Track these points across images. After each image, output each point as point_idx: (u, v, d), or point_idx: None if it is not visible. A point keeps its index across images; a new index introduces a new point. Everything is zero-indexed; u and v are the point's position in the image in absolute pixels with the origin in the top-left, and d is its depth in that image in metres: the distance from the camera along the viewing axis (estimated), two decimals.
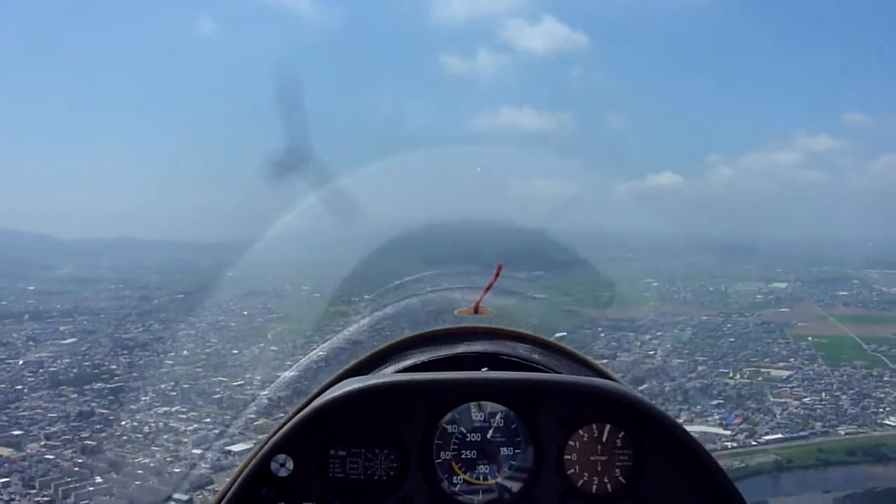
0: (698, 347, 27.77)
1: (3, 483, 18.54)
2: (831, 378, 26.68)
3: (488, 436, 2.06)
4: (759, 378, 26.65)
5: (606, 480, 2.05)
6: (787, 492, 21.73)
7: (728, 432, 23.52)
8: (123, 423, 21.32)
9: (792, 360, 27.94)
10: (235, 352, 24.29)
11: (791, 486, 21.98)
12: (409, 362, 2.30)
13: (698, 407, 23.58)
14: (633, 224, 27.30)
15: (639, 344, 24.89)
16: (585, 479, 2.05)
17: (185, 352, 23.99)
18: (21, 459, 19.57)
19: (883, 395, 25.94)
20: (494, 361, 2.26)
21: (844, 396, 25.76)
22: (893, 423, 24.54)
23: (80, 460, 19.73)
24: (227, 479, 2.09)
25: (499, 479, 2.05)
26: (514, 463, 2.06)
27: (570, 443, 2.05)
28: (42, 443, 20.43)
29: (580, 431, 2.05)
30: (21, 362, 24.29)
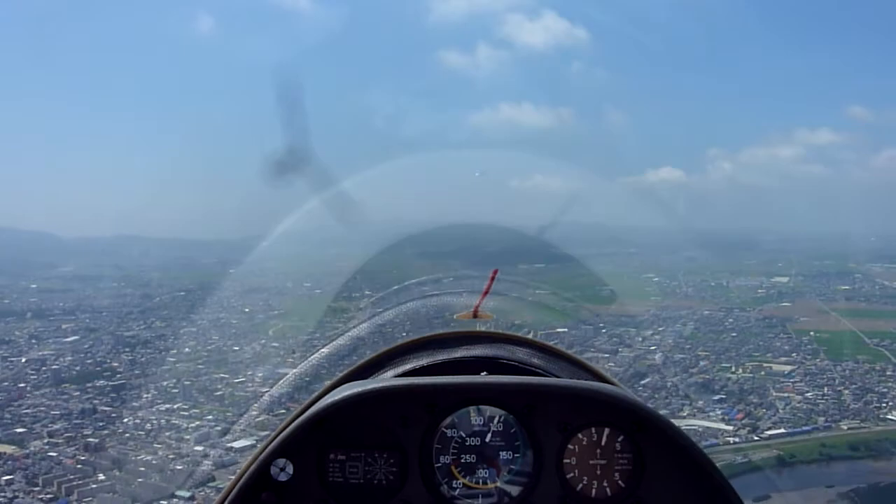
0: (700, 342, 27.73)
1: (6, 480, 18.61)
2: (834, 373, 26.57)
3: (487, 440, 2.06)
4: (762, 373, 26.54)
5: (606, 484, 2.05)
6: (789, 487, 21.66)
7: (730, 427, 23.44)
8: (126, 420, 21.37)
9: (794, 354, 27.82)
10: (237, 349, 24.32)
11: (793, 482, 21.93)
12: (408, 366, 2.30)
13: (700, 402, 23.56)
14: (634, 220, 27.33)
15: (640, 339, 24.91)
16: (585, 482, 2.05)
17: (187, 349, 24.06)
18: (24, 457, 19.61)
19: (886, 390, 25.82)
20: (493, 365, 2.26)
21: (847, 391, 25.65)
22: None
23: (82, 457, 19.78)
24: (228, 483, 2.10)
25: (498, 483, 2.05)
26: (513, 467, 2.06)
27: (570, 447, 2.05)
28: (45, 440, 20.47)
29: (579, 435, 2.05)
30: (24, 360, 24.38)
